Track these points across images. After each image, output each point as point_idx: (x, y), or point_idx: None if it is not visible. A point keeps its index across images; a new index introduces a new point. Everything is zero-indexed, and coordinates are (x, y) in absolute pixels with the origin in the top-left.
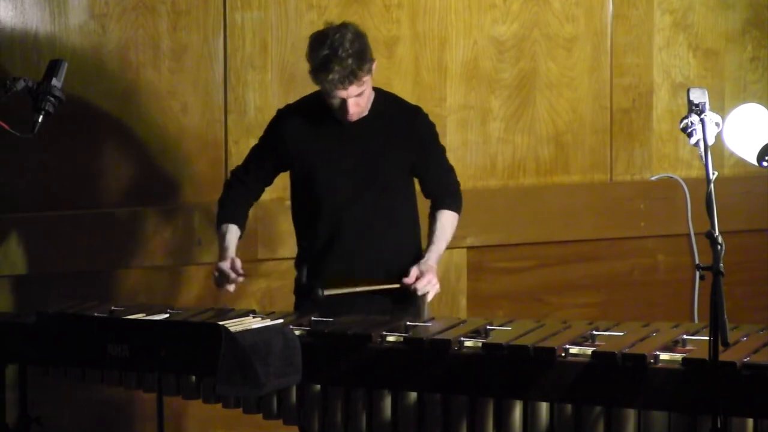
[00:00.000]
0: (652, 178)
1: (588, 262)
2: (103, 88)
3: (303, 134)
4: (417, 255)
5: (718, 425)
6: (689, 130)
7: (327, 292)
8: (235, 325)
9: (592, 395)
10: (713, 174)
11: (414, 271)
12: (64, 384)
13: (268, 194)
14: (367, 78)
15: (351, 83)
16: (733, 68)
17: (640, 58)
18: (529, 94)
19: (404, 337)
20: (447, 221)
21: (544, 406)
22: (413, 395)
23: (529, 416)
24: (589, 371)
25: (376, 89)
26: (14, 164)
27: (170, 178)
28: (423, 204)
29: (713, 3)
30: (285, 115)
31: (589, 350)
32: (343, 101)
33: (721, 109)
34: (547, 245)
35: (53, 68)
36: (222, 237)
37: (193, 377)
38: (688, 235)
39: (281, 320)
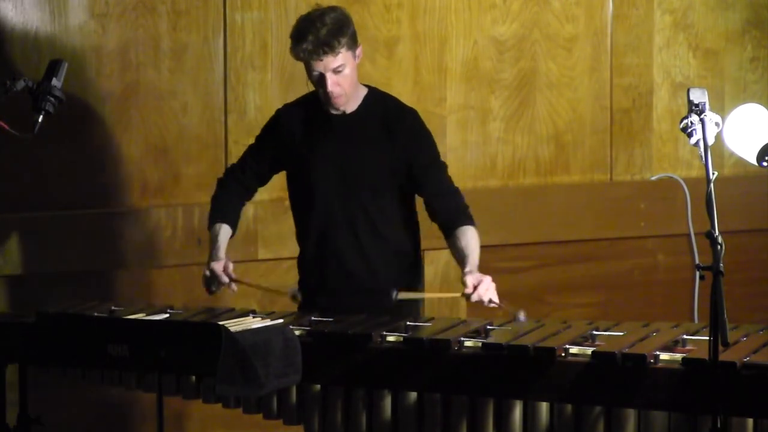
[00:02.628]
0: (652, 178)
1: (588, 262)
2: (103, 88)
3: (299, 133)
4: (414, 258)
5: (718, 425)
6: (689, 130)
7: (400, 296)
8: (235, 325)
9: (592, 395)
10: (713, 174)
11: (470, 280)
12: (64, 384)
13: (268, 194)
14: (343, 52)
15: (326, 54)
16: (733, 68)
17: (640, 58)
18: (529, 94)
19: (404, 337)
20: (471, 237)
21: (544, 406)
22: (413, 395)
23: (529, 416)
24: (589, 371)
25: (372, 88)
26: (13, 164)
27: (170, 178)
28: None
29: (713, 3)
30: (283, 113)
31: (589, 350)
32: (322, 76)
33: (721, 109)
34: (547, 245)
35: (53, 68)
36: (214, 237)
37: (193, 377)
38: (688, 235)
39: (281, 320)
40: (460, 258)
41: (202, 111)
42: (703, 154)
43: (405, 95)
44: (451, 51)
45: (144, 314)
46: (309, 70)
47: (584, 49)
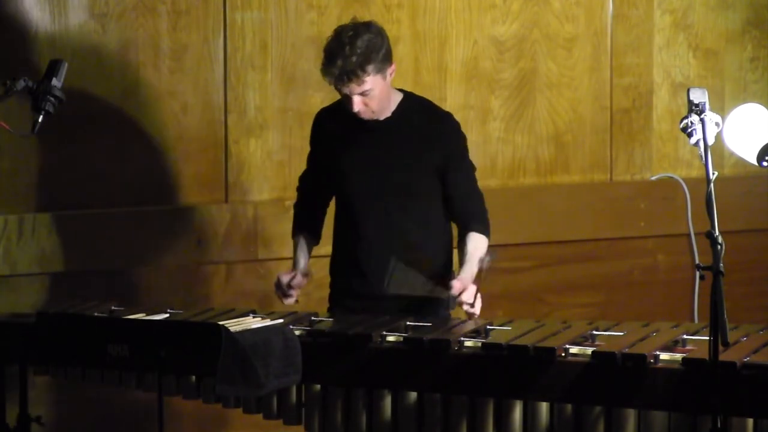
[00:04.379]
0: (652, 178)
1: (588, 262)
2: (103, 88)
3: (335, 136)
4: (447, 260)
5: (718, 425)
6: (689, 130)
7: (392, 290)
8: (235, 325)
9: (592, 395)
10: (713, 174)
11: (457, 284)
12: (64, 384)
13: (269, 194)
14: (370, 79)
15: (350, 81)
16: (733, 68)
17: (640, 58)
18: (529, 94)
19: (404, 337)
20: (479, 243)
21: (544, 406)
22: (413, 395)
23: (529, 416)
24: (589, 371)
25: (407, 93)
26: (13, 165)
27: (170, 178)
28: None
29: (713, 3)
30: (320, 116)
31: (589, 350)
32: (347, 97)
33: (721, 109)
34: (547, 245)
35: (53, 68)
36: (294, 248)
37: (193, 377)
38: (688, 235)
39: (281, 320)
40: (461, 262)
41: (202, 111)
42: (703, 154)
43: None
44: (451, 51)
45: (144, 314)
46: (336, 88)
47: (584, 49)
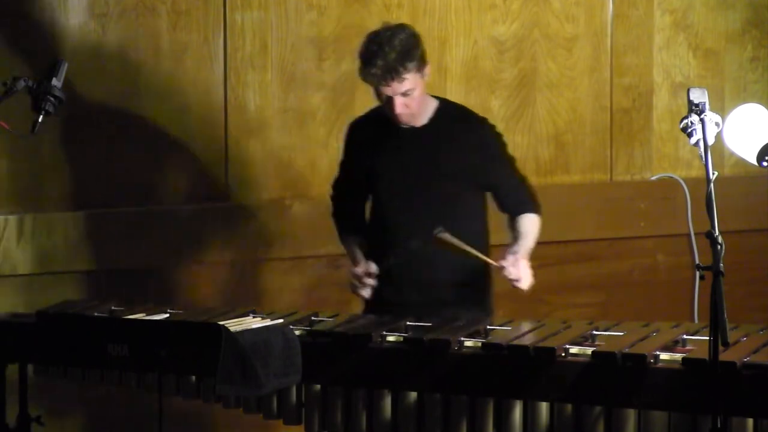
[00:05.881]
0: (652, 178)
1: (588, 262)
2: (103, 88)
3: (369, 145)
4: (483, 272)
5: (718, 425)
6: (689, 130)
7: (441, 235)
8: (235, 325)
9: (592, 395)
10: (713, 174)
11: (510, 258)
12: (64, 384)
13: (268, 194)
14: (410, 77)
15: (392, 79)
16: (733, 68)
17: (640, 58)
18: (529, 94)
19: (404, 337)
20: (529, 223)
21: (544, 406)
22: (413, 395)
23: (529, 416)
24: (589, 371)
25: (442, 100)
26: (13, 165)
27: (170, 178)
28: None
29: (713, 3)
30: (355, 125)
31: (589, 350)
32: (389, 99)
33: (721, 109)
34: (547, 245)
35: (53, 68)
36: (348, 248)
37: (193, 377)
38: (688, 235)
39: (281, 320)
40: (513, 240)
41: (202, 111)
42: (703, 154)
43: None
44: (451, 51)
45: (144, 314)
46: (377, 92)
47: (584, 49)
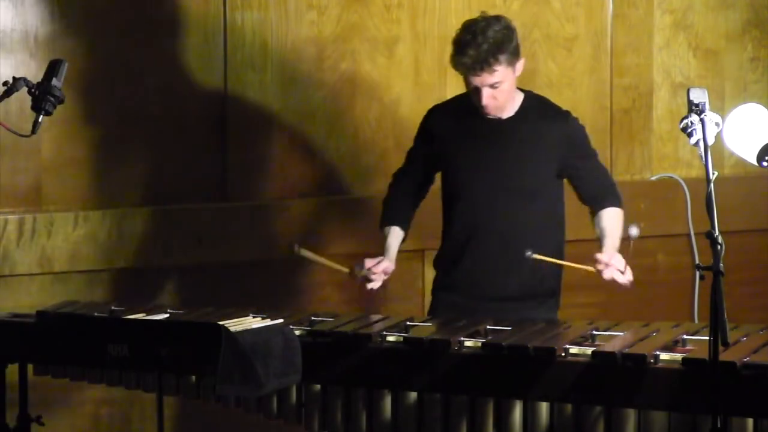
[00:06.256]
0: (652, 178)
1: (588, 262)
2: (104, 88)
3: (449, 132)
4: (557, 270)
5: (718, 425)
6: (689, 130)
7: (533, 257)
8: (235, 325)
9: (592, 395)
10: (713, 174)
11: (603, 258)
12: (64, 384)
13: (268, 194)
14: (500, 69)
15: (482, 70)
16: (733, 68)
17: (640, 58)
18: None
19: (404, 337)
20: (613, 217)
21: (544, 406)
22: (413, 395)
23: (529, 416)
24: (589, 371)
25: (528, 93)
26: (13, 165)
27: (170, 178)
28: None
29: (713, 3)
30: (435, 112)
31: (589, 350)
32: (477, 89)
33: (721, 109)
34: None
35: (53, 68)
36: (386, 237)
37: (193, 377)
38: (688, 235)
39: (281, 320)
40: (600, 238)
41: (202, 111)
42: (703, 154)
43: (405, 95)
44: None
45: (144, 314)
46: (466, 80)
47: (584, 49)
